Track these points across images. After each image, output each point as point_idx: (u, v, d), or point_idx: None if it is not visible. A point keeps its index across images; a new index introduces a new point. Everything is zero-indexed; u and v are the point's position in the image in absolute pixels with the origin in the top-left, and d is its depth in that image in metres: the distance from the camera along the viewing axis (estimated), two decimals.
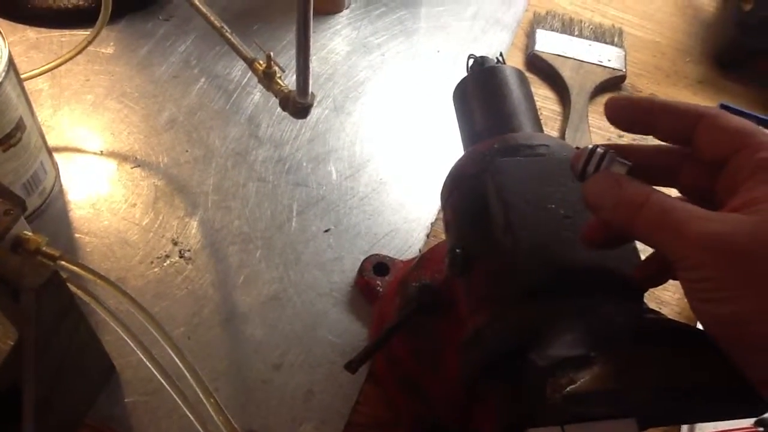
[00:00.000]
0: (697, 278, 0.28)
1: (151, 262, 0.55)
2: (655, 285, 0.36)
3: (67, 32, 0.69)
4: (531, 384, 0.31)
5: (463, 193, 0.42)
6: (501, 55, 0.51)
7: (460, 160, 0.44)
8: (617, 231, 0.33)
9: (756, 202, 0.28)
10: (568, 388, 0.29)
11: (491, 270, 0.39)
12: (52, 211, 0.56)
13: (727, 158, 0.31)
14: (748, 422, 0.51)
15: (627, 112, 0.35)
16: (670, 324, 0.35)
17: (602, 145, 0.34)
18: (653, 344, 0.32)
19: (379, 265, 0.55)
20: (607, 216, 0.32)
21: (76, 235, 0.55)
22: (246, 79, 0.68)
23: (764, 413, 0.32)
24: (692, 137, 0.32)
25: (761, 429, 0.50)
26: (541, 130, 0.47)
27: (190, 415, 0.39)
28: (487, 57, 0.50)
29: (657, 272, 0.35)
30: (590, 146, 0.34)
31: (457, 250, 0.41)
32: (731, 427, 0.50)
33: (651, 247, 0.31)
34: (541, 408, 0.30)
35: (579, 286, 0.35)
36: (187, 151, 0.62)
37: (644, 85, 0.78)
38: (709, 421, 0.49)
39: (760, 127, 0.31)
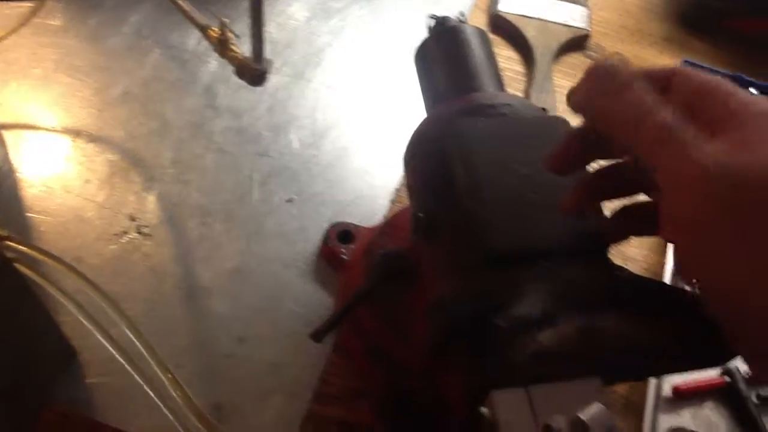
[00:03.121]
0: (686, 220, 0.26)
1: (109, 240, 0.53)
2: (623, 238, 0.36)
3: (12, 4, 0.65)
4: (495, 347, 0.30)
5: (425, 156, 0.41)
6: (462, 14, 0.50)
7: (422, 122, 0.43)
8: (598, 141, 0.31)
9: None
10: (531, 348, 0.28)
11: (455, 234, 0.38)
12: (2, 191, 0.54)
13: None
14: (715, 372, 0.51)
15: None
16: (636, 280, 0.35)
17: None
18: (618, 302, 0.31)
19: (343, 233, 0.54)
20: (607, 109, 0.29)
21: (29, 215, 0.53)
22: (202, 49, 0.66)
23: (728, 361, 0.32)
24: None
25: (727, 378, 0.50)
26: (504, 90, 0.46)
27: (150, 393, 0.38)
28: (448, 17, 0.48)
29: (627, 223, 0.34)
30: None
31: (420, 215, 0.40)
32: (699, 378, 0.50)
33: (642, 166, 0.29)
34: (506, 370, 0.29)
35: (544, 248, 0.35)
36: (142, 124, 0.60)
37: (609, 44, 0.77)
38: (675, 373, 0.49)
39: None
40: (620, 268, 0.36)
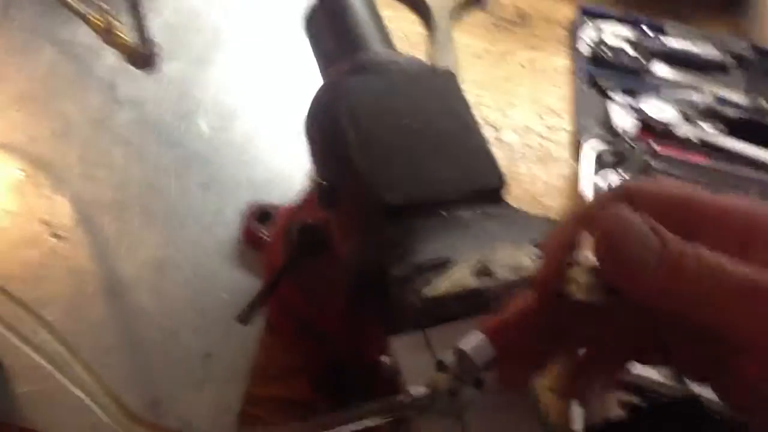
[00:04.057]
0: None
1: (25, 247, 0.52)
2: None
3: None
4: (393, 296, 0.31)
5: (319, 123, 0.42)
6: None
7: (317, 90, 0.44)
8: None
9: None
10: (428, 292, 0.30)
11: (353, 195, 0.38)
12: None
13: None
14: None
15: None
16: (531, 219, 0.37)
17: None
18: (512, 242, 0.33)
19: (262, 214, 0.54)
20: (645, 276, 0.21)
21: None
22: (96, 42, 0.64)
23: None
24: None
25: None
26: (392, 47, 0.46)
27: (80, 395, 0.38)
28: None
29: None
30: None
31: (321, 183, 0.41)
32: None
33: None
34: (407, 317, 0.30)
35: (439, 197, 0.36)
36: (43, 125, 0.59)
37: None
38: None
39: None
40: (516, 210, 0.38)
